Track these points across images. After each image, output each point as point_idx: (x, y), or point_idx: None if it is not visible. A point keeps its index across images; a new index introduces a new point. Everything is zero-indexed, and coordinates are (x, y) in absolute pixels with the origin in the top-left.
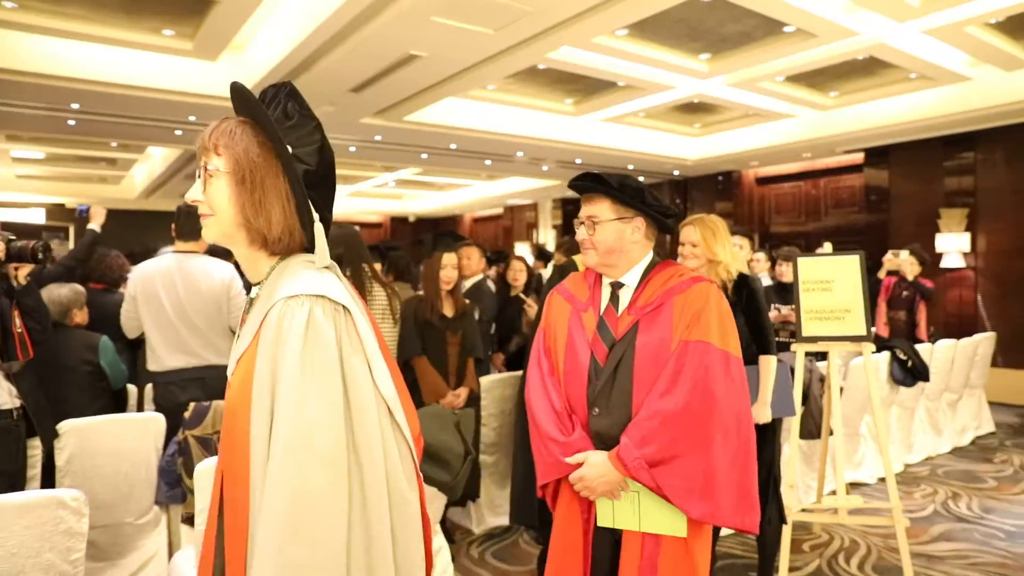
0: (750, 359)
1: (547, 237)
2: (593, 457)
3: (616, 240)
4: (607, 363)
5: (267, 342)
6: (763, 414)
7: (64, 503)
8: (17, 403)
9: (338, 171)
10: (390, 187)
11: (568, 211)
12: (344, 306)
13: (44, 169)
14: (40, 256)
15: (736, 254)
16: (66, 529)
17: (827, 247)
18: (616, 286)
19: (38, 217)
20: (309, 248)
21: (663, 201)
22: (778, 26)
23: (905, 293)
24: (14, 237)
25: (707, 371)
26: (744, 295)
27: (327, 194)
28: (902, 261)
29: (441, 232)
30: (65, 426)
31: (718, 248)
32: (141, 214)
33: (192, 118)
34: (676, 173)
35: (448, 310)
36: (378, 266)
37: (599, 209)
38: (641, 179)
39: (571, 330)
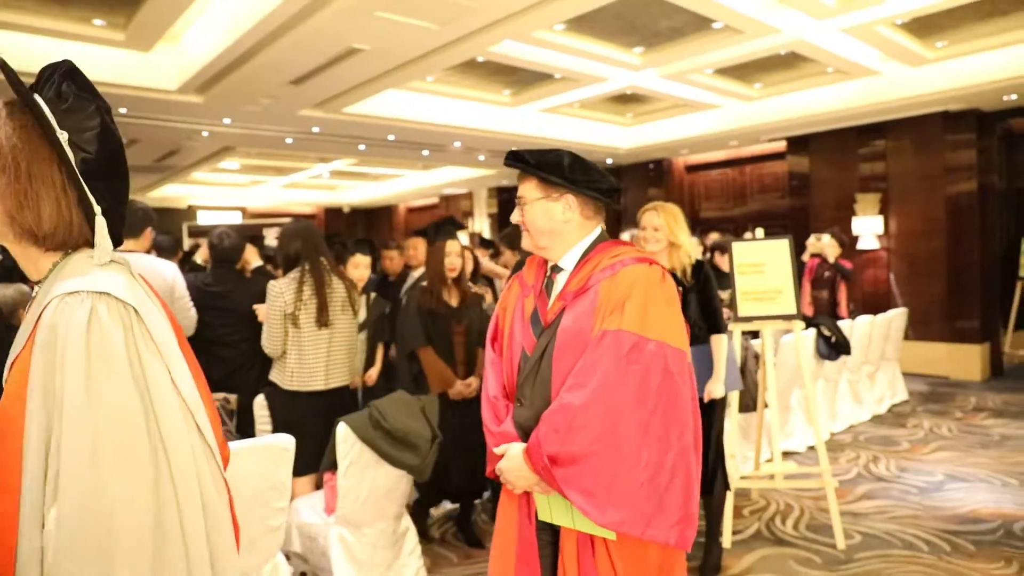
0: (703, 339)
1: (483, 225)
2: (512, 449)
3: (546, 220)
4: (533, 352)
5: (42, 346)
6: (717, 389)
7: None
8: None
9: (273, 162)
10: (324, 178)
11: (503, 199)
12: (133, 306)
13: None
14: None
15: (692, 241)
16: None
17: (759, 232)
18: (554, 270)
19: None
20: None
21: (603, 174)
22: (707, 23)
23: (827, 274)
24: None
25: (623, 363)
26: (700, 278)
27: (115, 185)
28: (824, 244)
29: (442, 220)
30: None
31: (679, 233)
32: None
33: (123, 110)
34: (609, 161)
35: (453, 299)
36: None
37: (526, 189)
38: None
39: (513, 316)
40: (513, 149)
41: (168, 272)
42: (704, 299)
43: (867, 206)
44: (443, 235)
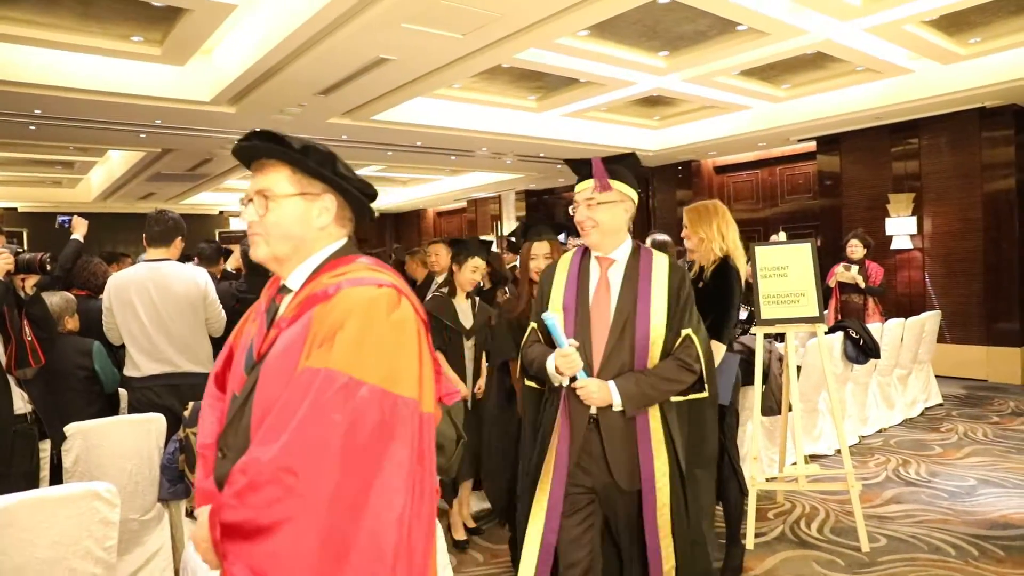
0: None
1: (511, 228)
2: (202, 514)
3: (297, 224)
4: (241, 391)
5: None
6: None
7: (99, 495)
8: (29, 408)
9: None
10: None
11: (532, 203)
12: None
13: None
14: (47, 267)
15: (733, 238)
16: (101, 519)
17: (781, 235)
18: (282, 291)
19: None
20: None
21: (361, 178)
22: (731, 25)
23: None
24: (21, 250)
25: (325, 411)
26: (719, 280)
27: None
28: (853, 275)
29: (533, 220)
30: (72, 428)
31: (703, 229)
32: (99, 217)
33: (158, 121)
34: None
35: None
36: None
37: (272, 180)
38: None
39: (234, 347)
40: (265, 129)
41: (201, 279)
42: (715, 302)
43: (900, 206)
44: (531, 236)
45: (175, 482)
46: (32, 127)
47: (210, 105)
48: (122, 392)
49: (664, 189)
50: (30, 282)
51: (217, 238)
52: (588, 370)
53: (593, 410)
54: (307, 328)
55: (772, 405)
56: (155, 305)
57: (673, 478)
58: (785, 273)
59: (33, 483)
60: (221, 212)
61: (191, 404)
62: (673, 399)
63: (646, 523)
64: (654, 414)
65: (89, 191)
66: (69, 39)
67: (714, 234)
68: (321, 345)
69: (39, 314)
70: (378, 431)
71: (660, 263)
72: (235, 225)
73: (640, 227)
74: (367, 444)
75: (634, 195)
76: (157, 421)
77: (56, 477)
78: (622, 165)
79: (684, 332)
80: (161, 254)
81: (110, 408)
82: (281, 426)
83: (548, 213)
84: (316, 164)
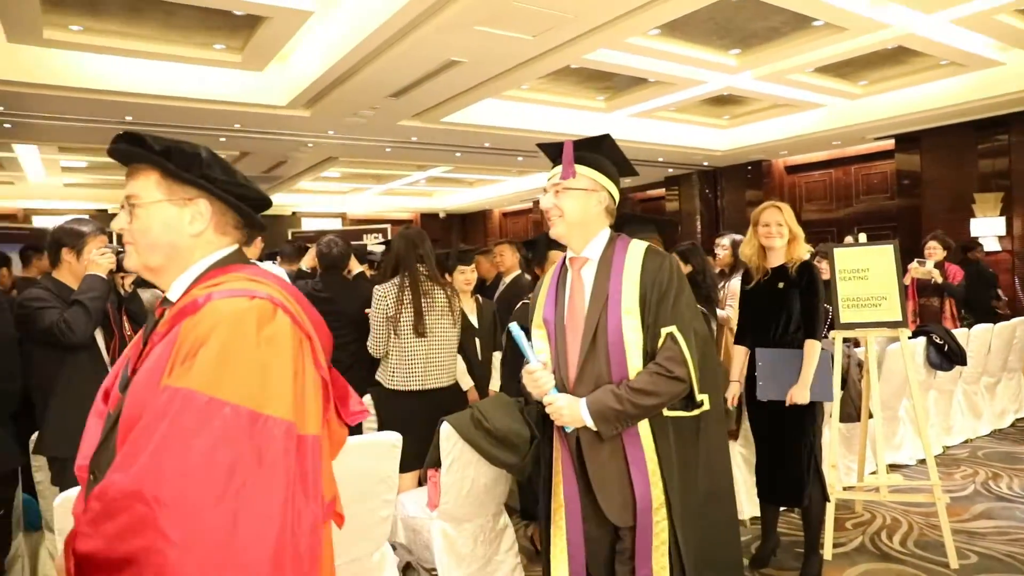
0: (797, 343)
1: None
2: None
3: (165, 231)
4: (114, 409)
5: None
6: (800, 395)
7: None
8: None
9: (372, 170)
10: (421, 184)
11: None
12: None
13: (87, 177)
14: None
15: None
16: None
17: (862, 237)
18: (164, 303)
19: None
20: None
21: (249, 182)
22: (807, 21)
23: (935, 281)
24: (121, 249)
25: (184, 434)
26: (805, 279)
27: None
28: (929, 270)
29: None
30: None
31: (797, 227)
32: None
33: (236, 125)
34: (706, 164)
35: None
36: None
37: (140, 186)
38: (670, 171)
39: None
40: (131, 131)
41: (278, 274)
42: (805, 300)
43: (987, 206)
44: (556, 246)
45: None
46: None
47: (286, 109)
48: None
49: (733, 189)
50: (128, 280)
51: (290, 237)
52: (564, 386)
53: (570, 429)
54: (172, 343)
55: (851, 412)
56: None
57: (675, 511)
58: (865, 276)
59: None
60: (294, 213)
61: None
62: (667, 413)
63: (638, 568)
64: (646, 434)
65: None
66: (156, 49)
67: (803, 235)
68: (184, 362)
69: (136, 310)
70: (244, 455)
71: (634, 253)
72: (307, 225)
73: (708, 227)
74: (231, 469)
75: (610, 185)
76: None
77: None
78: (595, 152)
79: (665, 330)
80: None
81: None
82: (139, 449)
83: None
84: (181, 167)
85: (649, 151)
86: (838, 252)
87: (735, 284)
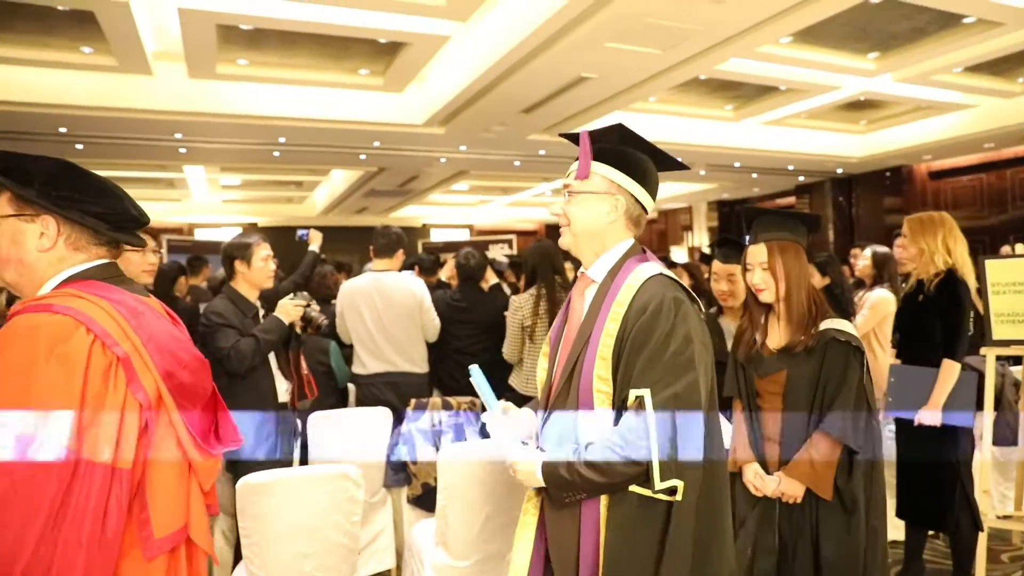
0: (935, 360)
1: (702, 239)
2: None
3: (12, 247)
4: None
5: None
6: (931, 417)
7: (348, 476)
8: (287, 398)
9: (499, 183)
10: (547, 196)
11: (724, 213)
12: None
13: (241, 193)
14: (321, 328)
15: (961, 252)
16: (349, 496)
17: (1020, 248)
18: None
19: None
20: None
21: (116, 196)
22: (955, 19)
23: None
24: (309, 304)
25: None
26: (946, 293)
27: None
28: None
29: (723, 238)
30: (315, 416)
31: (925, 240)
32: (321, 230)
33: (376, 143)
34: (840, 171)
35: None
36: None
37: None
38: (801, 179)
39: None
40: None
41: (418, 289)
42: (945, 317)
43: None
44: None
45: (398, 471)
46: (276, 154)
47: (423, 127)
48: (350, 387)
49: (869, 197)
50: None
51: (420, 249)
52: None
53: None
54: None
55: (1006, 434)
56: (378, 311)
57: None
58: (1023, 290)
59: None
60: (424, 224)
61: (413, 401)
62: (635, 489)
63: None
64: (604, 506)
65: (314, 207)
66: (309, 76)
67: (938, 246)
68: None
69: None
70: (10, 480)
71: (633, 281)
72: (435, 237)
73: (842, 236)
74: None
75: (634, 187)
76: (384, 414)
77: (303, 457)
78: (617, 145)
79: (634, 393)
80: (385, 265)
81: (342, 401)
82: None
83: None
84: (18, 184)
85: (779, 159)
86: (990, 264)
87: (873, 295)
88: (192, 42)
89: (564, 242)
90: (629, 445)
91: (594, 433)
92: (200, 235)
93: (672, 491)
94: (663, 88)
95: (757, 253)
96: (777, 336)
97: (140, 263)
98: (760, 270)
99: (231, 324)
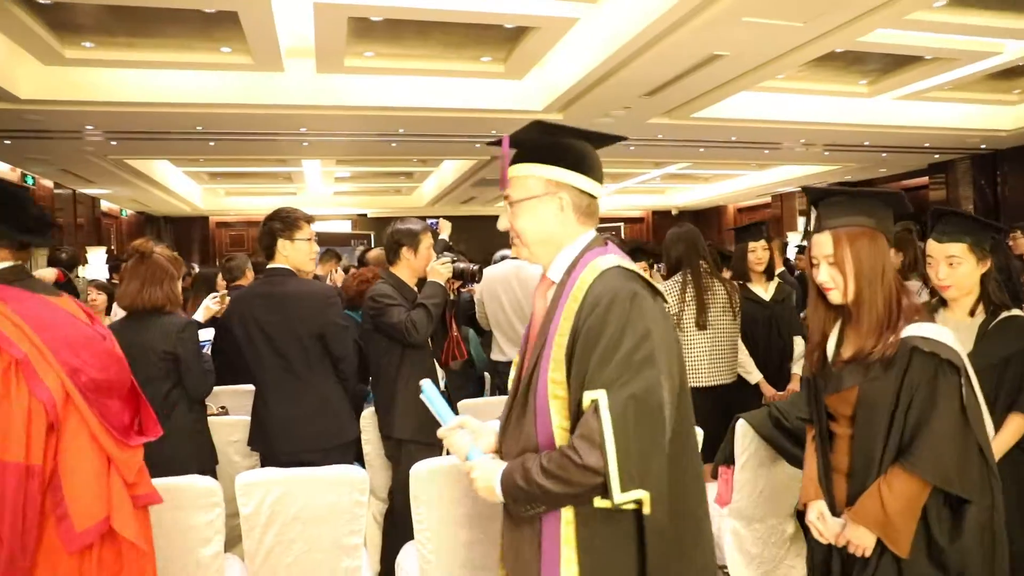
0: None
1: None
2: None
3: None
4: None
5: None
6: None
7: None
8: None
9: (610, 169)
10: (655, 182)
11: None
12: None
13: (351, 185)
14: (476, 277)
15: None
16: None
17: None
18: None
19: (345, 227)
20: None
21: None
22: None
23: None
24: (457, 258)
25: None
26: None
27: None
28: None
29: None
30: (463, 405)
31: None
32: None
33: (494, 131)
34: (983, 147)
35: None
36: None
37: None
38: (936, 157)
39: None
40: None
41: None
42: None
43: None
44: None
45: None
46: (394, 144)
47: (542, 113)
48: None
49: (1019, 174)
50: (455, 285)
51: None
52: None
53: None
54: None
55: None
56: (517, 297)
57: None
58: None
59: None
60: None
61: None
62: (599, 503)
63: None
64: (568, 520)
65: (422, 197)
66: (433, 66)
67: None
68: None
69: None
70: None
71: (583, 280)
72: None
73: (984, 218)
74: None
75: (573, 177)
76: None
77: None
78: (540, 140)
79: (589, 396)
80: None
81: (479, 389)
82: None
83: None
84: None
85: (915, 136)
86: None
87: None
88: (323, 36)
89: (522, 255)
90: (584, 451)
91: (556, 441)
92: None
93: (639, 504)
94: (796, 64)
95: (822, 244)
96: (851, 344)
97: (308, 252)
98: (826, 264)
99: (398, 302)
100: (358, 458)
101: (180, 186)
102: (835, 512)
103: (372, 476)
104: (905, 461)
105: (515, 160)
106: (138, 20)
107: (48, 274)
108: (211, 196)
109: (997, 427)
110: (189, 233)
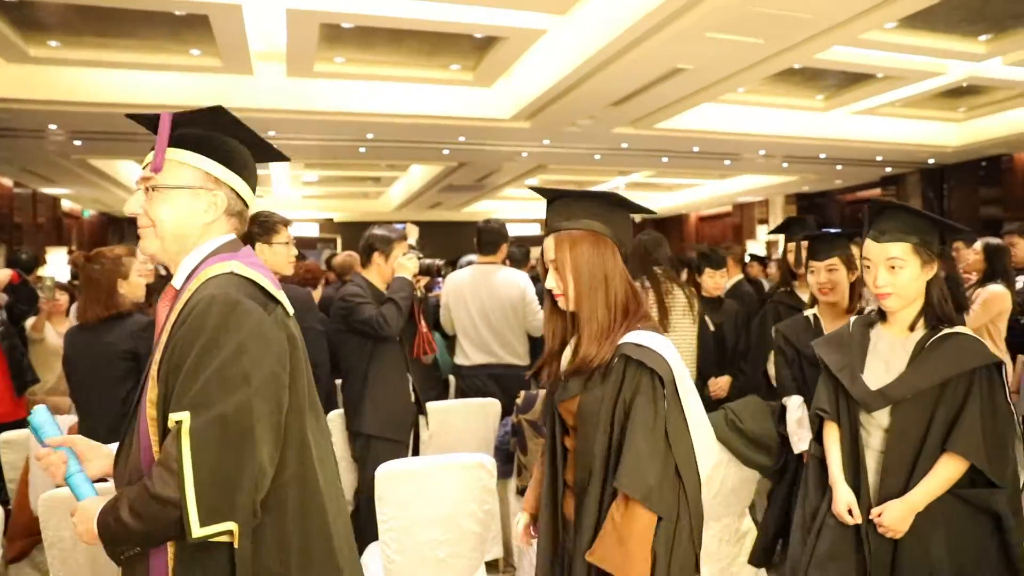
0: None
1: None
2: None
3: None
4: None
5: None
6: None
7: (483, 465)
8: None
9: (575, 176)
10: (620, 189)
11: (802, 206)
12: None
13: (318, 189)
14: (440, 273)
15: None
16: (484, 486)
17: None
18: None
19: (313, 230)
20: None
21: None
22: None
23: None
24: (422, 255)
25: None
26: None
27: None
28: None
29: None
30: (430, 407)
31: None
32: (397, 224)
33: (461, 138)
34: (931, 161)
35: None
36: None
37: None
38: (888, 170)
39: None
40: None
41: (521, 282)
42: None
43: None
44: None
45: (506, 462)
46: (362, 149)
47: (509, 121)
48: (450, 379)
49: (962, 188)
50: (423, 282)
51: None
52: None
53: None
54: None
55: None
56: (483, 303)
57: None
58: None
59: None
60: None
61: (523, 393)
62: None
63: None
64: (171, 552)
65: (389, 202)
66: (405, 73)
67: None
68: None
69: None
70: None
71: (189, 288)
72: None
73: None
74: None
75: (235, 180)
76: (493, 406)
77: (415, 447)
78: (212, 130)
79: (173, 418)
80: (490, 259)
81: (444, 392)
82: None
83: (821, 216)
84: None
85: (868, 149)
86: None
87: (986, 291)
88: (295, 41)
89: (149, 247)
90: (159, 481)
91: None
92: None
93: (228, 536)
94: (757, 79)
95: (546, 247)
96: (577, 352)
97: (286, 255)
98: (552, 269)
99: (367, 300)
100: None
101: None
102: (564, 530)
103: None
104: (615, 478)
105: (177, 143)
106: (106, 20)
107: (2, 275)
108: None
109: (931, 465)
110: None
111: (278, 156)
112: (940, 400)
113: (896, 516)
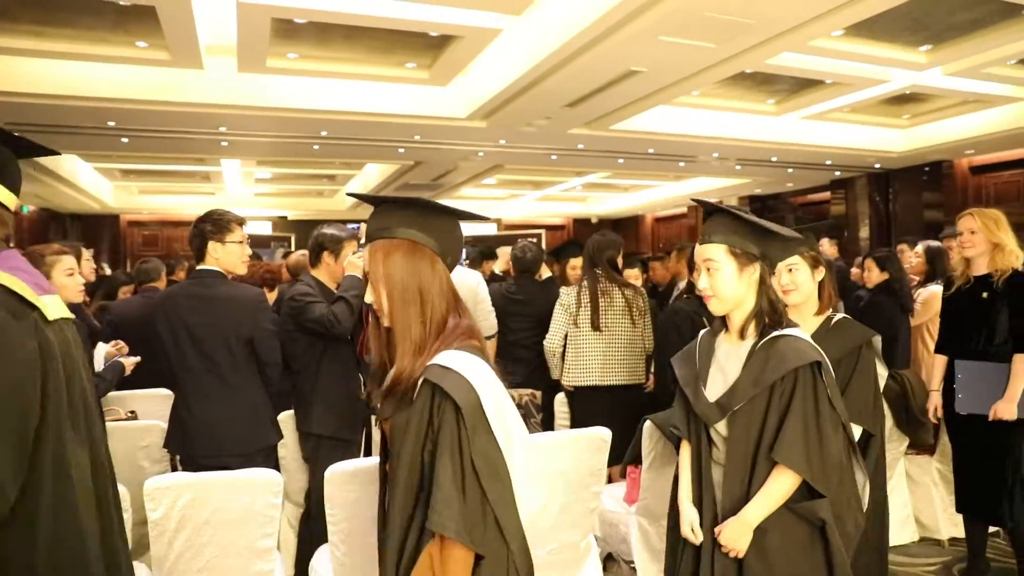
0: (1005, 356)
1: None
2: None
3: None
4: None
5: None
6: (1007, 411)
7: None
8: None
9: (531, 177)
10: (577, 190)
11: (755, 208)
12: None
13: (272, 187)
14: None
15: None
16: None
17: None
18: None
19: (266, 228)
20: None
21: None
22: (1016, 9)
23: None
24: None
25: None
26: (1016, 291)
27: None
28: None
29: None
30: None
31: (1002, 235)
32: (349, 223)
33: (417, 137)
34: (877, 166)
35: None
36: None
37: None
38: (837, 174)
39: None
40: None
41: (472, 280)
42: (1014, 312)
43: None
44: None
45: None
46: (316, 146)
47: (465, 120)
48: None
49: (907, 192)
50: None
51: None
52: None
53: None
54: None
55: None
56: None
57: None
58: None
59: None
60: None
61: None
62: None
63: None
64: None
65: (344, 201)
66: (358, 70)
67: (1011, 242)
68: None
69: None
70: None
71: None
72: (465, 231)
73: (877, 231)
74: None
75: None
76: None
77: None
78: None
79: None
80: None
81: None
82: None
83: (778, 219)
84: None
85: (818, 154)
86: None
87: (926, 291)
88: (246, 35)
89: None
90: None
91: None
92: None
93: None
94: (709, 82)
95: (365, 258)
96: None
97: (239, 254)
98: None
99: (318, 298)
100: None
101: (89, 182)
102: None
103: (288, 479)
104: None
105: None
106: (45, 8)
107: None
108: (123, 194)
109: (766, 475)
110: (98, 232)
111: (43, 151)
112: (769, 406)
113: (731, 535)
